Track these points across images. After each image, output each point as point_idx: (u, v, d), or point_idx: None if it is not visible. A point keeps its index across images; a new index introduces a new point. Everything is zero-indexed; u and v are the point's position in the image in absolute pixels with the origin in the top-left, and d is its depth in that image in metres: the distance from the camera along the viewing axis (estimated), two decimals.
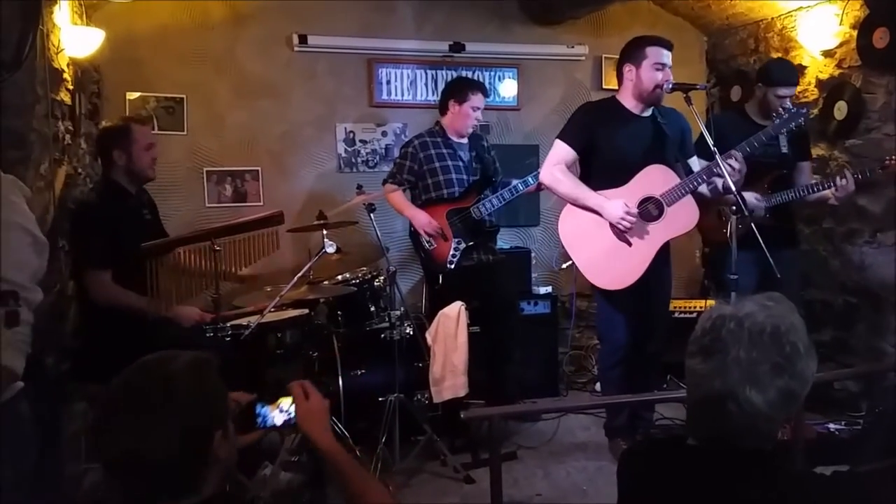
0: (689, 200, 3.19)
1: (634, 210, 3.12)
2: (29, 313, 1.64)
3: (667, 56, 3.15)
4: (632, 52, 3.21)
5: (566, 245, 3.25)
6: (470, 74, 4.58)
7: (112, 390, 1.15)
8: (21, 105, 2.76)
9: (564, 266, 3.36)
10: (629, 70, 3.21)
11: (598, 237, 3.19)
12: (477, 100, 3.74)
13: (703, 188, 3.22)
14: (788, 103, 3.39)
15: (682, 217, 3.19)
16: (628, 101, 3.24)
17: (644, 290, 3.25)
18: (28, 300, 1.64)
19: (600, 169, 3.23)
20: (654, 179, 3.18)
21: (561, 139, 3.27)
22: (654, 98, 3.19)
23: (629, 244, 3.18)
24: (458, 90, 3.78)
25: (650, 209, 3.17)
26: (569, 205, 3.27)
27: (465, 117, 3.74)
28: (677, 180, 3.18)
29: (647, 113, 3.25)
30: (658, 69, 3.13)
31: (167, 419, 1.11)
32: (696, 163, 3.36)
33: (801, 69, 4.18)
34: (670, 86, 3.12)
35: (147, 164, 3.13)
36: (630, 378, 3.39)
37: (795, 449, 2.56)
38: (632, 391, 3.37)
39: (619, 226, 3.11)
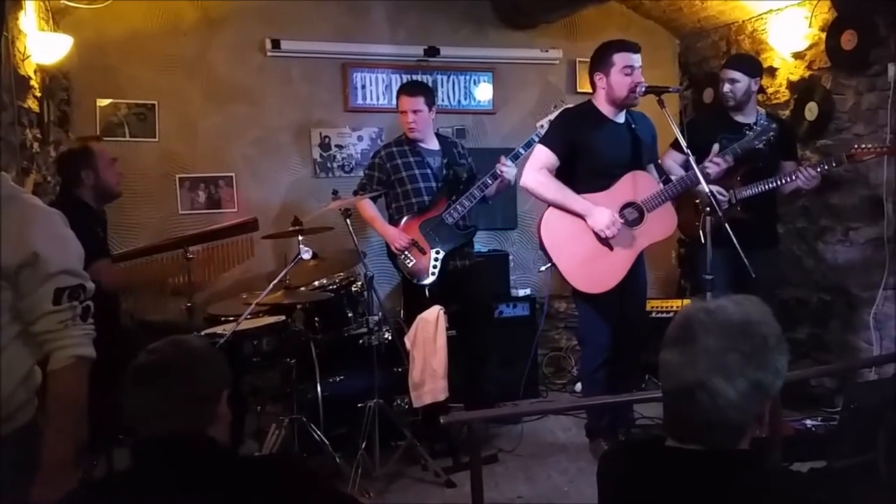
0: (668, 207, 3.25)
1: (619, 221, 3.14)
2: (92, 304, 1.75)
3: (634, 59, 3.17)
4: (600, 60, 3.24)
5: (548, 247, 3.25)
6: (444, 78, 4.59)
7: (145, 360, 1.42)
8: None
9: (543, 269, 3.36)
10: (600, 78, 3.24)
11: (581, 241, 3.20)
12: (402, 103, 3.69)
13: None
14: (738, 88, 3.55)
15: (661, 223, 3.24)
16: (604, 107, 3.28)
17: (621, 294, 3.28)
18: (90, 290, 1.74)
19: (581, 174, 3.25)
20: (636, 185, 3.23)
21: (543, 144, 3.27)
22: (628, 102, 3.23)
23: (610, 249, 3.20)
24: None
25: (630, 215, 3.21)
26: (551, 207, 3.27)
27: (402, 124, 3.74)
28: (658, 187, 3.24)
29: (622, 119, 3.30)
30: (627, 73, 3.16)
31: (191, 381, 1.41)
32: (652, 169, 3.42)
33: (772, 71, 4.24)
34: (643, 88, 3.14)
35: (115, 181, 3.15)
36: (612, 380, 3.40)
37: (772, 446, 2.57)
38: (614, 393, 3.38)
39: (603, 234, 3.13)
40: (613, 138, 3.25)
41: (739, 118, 3.64)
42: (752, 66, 3.67)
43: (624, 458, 1.40)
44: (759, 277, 2.93)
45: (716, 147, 3.35)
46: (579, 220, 3.20)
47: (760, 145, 3.25)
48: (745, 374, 1.15)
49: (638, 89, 3.14)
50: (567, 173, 3.26)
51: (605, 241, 3.19)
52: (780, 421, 2.76)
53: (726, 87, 3.61)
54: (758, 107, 3.73)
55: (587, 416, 3.61)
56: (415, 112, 3.66)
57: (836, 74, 3.86)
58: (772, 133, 3.22)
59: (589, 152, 3.22)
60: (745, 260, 2.89)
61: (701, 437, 1.20)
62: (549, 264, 3.27)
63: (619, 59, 3.16)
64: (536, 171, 3.23)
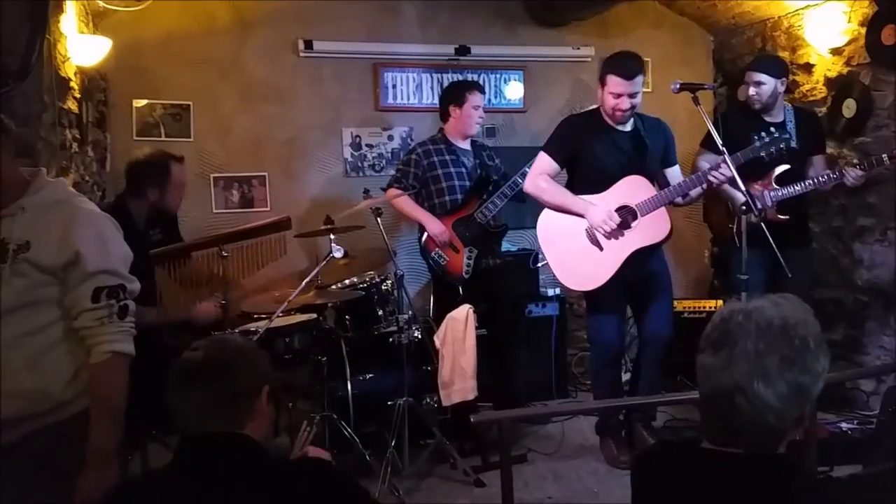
0: (662, 212, 3.25)
1: (616, 216, 3.16)
2: (133, 303, 1.86)
3: (625, 84, 3.12)
4: (600, 73, 3.26)
5: (542, 244, 3.33)
6: (475, 77, 4.58)
7: (187, 358, 1.46)
8: (28, 114, 2.78)
9: (540, 265, 3.41)
10: (599, 89, 3.28)
11: (572, 239, 3.27)
12: (475, 98, 3.76)
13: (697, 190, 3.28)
14: (765, 91, 3.52)
15: (654, 227, 3.25)
16: (606, 116, 3.31)
17: (636, 293, 3.36)
18: (132, 291, 1.86)
19: (581, 179, 3.32)
20: (631, 189, 3.24)
21: (545, 151, 3.35)
22: (614, 119, 3.25)
23: (600, 248, 3.23)
24: (455, 94, 3.81)
25: (624, 217, 3.22)
26: (547, 209, 3.33)
27: (467, 118, 3.75)
28: (653, 192, 3.24)
29: (628, 126, 3.30)
30: (614, 97, 3.16)
31: (232, 378, 1.44)
32: (677, 172, 3.42)
33: (809, 67, 4.17)
34: (677, 85, 3.11)
35: (176, 203, 3.18)
36: (631, 381, 3.49)
37: (808, 449, 2.53)
38: (633, 390, 3.47)
39: (600, 230, 3.17)
40: (614, 145, 3.27)
41: (768, 118, 3.61)
42: (778, 67, 3.63)
43: (659, 460, 1.38)
44: (792, 278, 2.90)
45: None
46: (572, 219, 3.26)
47: (767, 157, 3.19)
48: (785, 377, 1.13)
49: (672, 86, 3.10)
50: (569, 178, 3.37)
51: (595, 241, 3.23)
52: (815, 423, 2.72)
53: (752, 91, 3.57)
54: (785, 102, 3.69)
55: (598, 414, 3.64)
56: (483, 109, 3.79)
57: (876, 70, 3.77)
58: (783, 144, 3.16)
59: (588, 159, 3.28)
60: (783, 260, 2.84)
61: (739, 440, 1.18)
62: (545, 262, 3.34)
63: (611, 81, 3.17)
64: (536, 176, 3.32)
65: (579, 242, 3.26)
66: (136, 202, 3.05)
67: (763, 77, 3.54)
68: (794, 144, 3.46)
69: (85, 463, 1.73)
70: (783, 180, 3.52)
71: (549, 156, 3.32)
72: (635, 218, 3.22)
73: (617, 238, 3.21)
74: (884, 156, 3.37)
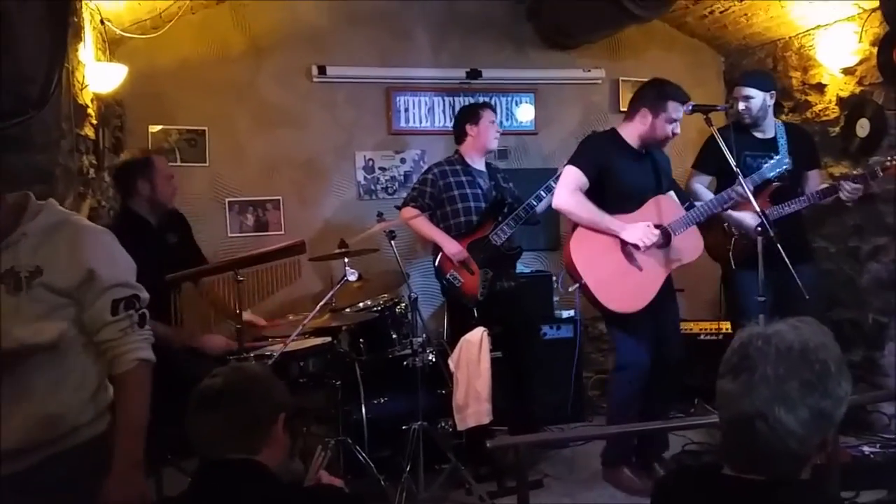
0: (694, 230, 3.24)
1: (654, 231, 3.13)
2: (146, 311, 1.89)
3: (682, 109, 3.17)
4: (652, 99, 3.20)
5: (579, 267, 3.19)
6: (487, 100, 4.60)
7: (206, 385, 1.50)
8: (47, 141, 2.81)
9: (571, 289, 3.29)
10: (644, 114, 3.21)
11: (611, 260, 3.19)
12: (490, 115, 3.80)
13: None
14: (754, 105, 3.54)
15: (688, 246, 3.24)
16: (631, 139, 3.28)
17: (656, 317, 3.27)
18: (144, 300, 1.88)
19: (608, 199, 3.24)
20: (662, 209, 3.23)
21: (574, 165, 3.25)
22: (656, 145, 3.28)
23: (640, 269, 3.18)
24: (469, 113, 3.84)
25: (658, 237, 3.18)
26: (580, 228, 3.24)
27: (485, 132, 3.78)
28: (683, 211, 3.24)
29: (643, 150, 3.33)
30: (671, 123, 3.17)
31: (248, 404, 1.48)
32: (674, 196, 3.40)
33: (821, 87, 4.17)
34: (690, 107, 3.13)
35: (169, 194, 3.18)
36: (648, 406, 3.34)
37: (831, 474, 2.49)
38: (650, 415, 3.33)
39: (640, 244, 3.11)
40: (638, 166, 3.27)
41: (759, 134, 3.62)
42: (765, 80, 3.64)
43: (679, 487, 1.36)
44: (796, 296, 2.82)
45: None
46: (609, 239, 3.19)
47: (776, 179, 3.24)
48: (806, 402, 1.11)
49: (686, 108, 3.13)
50: (593, 198, 3.24)
51: (633, 261, 3.18)
52: (837, 448, 2.68)
53: (741, 105, 3.57)
54: (776, 120, 3.69)
55: (607, 441, 3.47)
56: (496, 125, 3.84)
57: (889, 90, 3.76)
58: (785, 167, 3.21)
59: (616, 177, 3.24)
60: (798, 279, 2.80)
61: (761, 467, 1.17)
62: (577, 284, 3.20)
63: (672, 108, 3.15)
64: (570, 192, 3.21)
65: (618, 263, 3.18)
66: (134, 202, 3.07)
67: (751, 91, 3.55)
68: (776, 179, 3.41)
69: (112, 471, 1.73)
70: (777, 198, 3.48)
71: (579, 170, 3.22)
72: (668, 238, 3.20)
73: (657, 257, 3.18)
74: (876, 167, 3.29)
